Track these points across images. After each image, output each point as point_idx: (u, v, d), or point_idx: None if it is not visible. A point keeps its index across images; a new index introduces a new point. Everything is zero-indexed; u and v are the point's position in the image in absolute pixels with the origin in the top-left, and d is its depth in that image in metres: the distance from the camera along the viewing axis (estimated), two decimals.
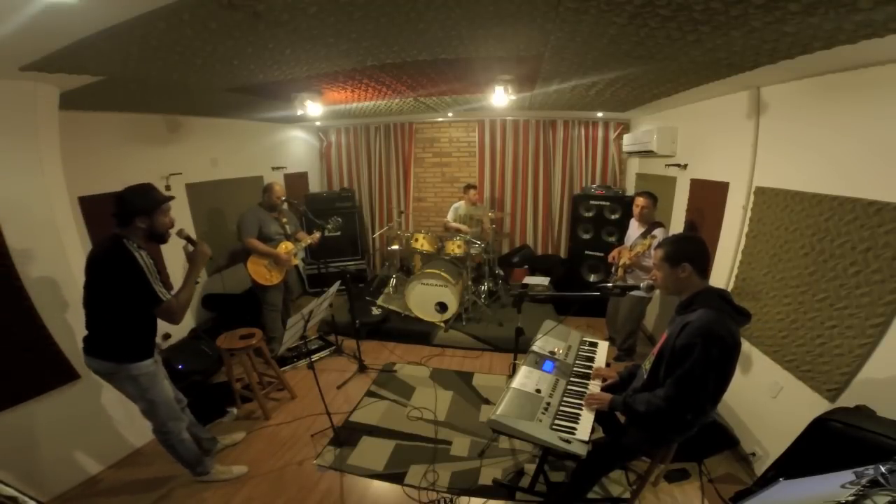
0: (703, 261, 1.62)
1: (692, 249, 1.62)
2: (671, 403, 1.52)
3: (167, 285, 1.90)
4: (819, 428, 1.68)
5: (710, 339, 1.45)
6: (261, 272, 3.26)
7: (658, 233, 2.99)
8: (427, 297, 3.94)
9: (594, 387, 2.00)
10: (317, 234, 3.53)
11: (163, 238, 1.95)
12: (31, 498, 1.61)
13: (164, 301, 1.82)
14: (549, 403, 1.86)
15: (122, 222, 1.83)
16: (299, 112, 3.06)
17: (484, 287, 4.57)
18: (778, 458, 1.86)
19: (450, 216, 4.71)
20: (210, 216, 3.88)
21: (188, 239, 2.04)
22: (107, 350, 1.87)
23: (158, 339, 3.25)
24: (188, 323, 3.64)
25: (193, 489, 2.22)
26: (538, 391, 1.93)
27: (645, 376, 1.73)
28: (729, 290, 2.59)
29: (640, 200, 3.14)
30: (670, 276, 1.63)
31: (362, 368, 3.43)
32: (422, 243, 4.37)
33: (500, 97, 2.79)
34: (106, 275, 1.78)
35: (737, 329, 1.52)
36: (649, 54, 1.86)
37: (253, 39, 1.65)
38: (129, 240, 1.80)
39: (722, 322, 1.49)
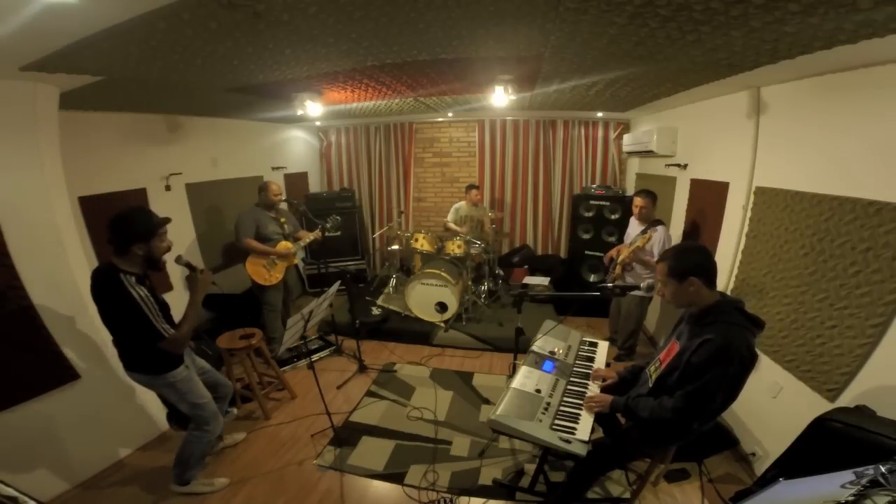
0: (709, 271, 1.55)
1: (696, 261, 1.56)
2: (678, 415, 1.51)
3: (166, 314, 1.87)
4: (819, 428, 1.67)
5: (729, 359, 1.42)
6: (259, 272, 3.26)
7: (659, 229, 2.98)
8: (427, 297, 3.93)
9: (593, 388, 1.99)
10: (317, 232, 3.53)
11: (157, 265, 1.87)
12: (31, 498, 1.61)
13: (167, 337, 1.79)
14: (549, 403, 1.86)
15: (118, 250, 1.76)
16: (299, 112, 3.06)
17: (484, 287, 4.57)
18: (778, 458, 1.86)
19: (450, 217, 4.71)
20: (210, 216, 3.88)
21: (188, 266, 1.96)
22: (139, 364, 1.91)
23: None
24: None
25: None
26: (538, 391, 1.93)
27: (650, 384, 1.71)
28: (729, 290, 2.60)
29: (638, 200, 3.13)
30: (679, 291, 1.57)
31: (362, 368, 3.43)
32: (422, 243, 4.37)
33: (500, 97, 2.79)
34: (106, 308, 1.77)
35: (753, 341, 1.49)
36: (649, 54, 1.86)
37: (253, 39, 1.65)
38: (127, 274, 1.73)
39: (741, 337, 1.45)
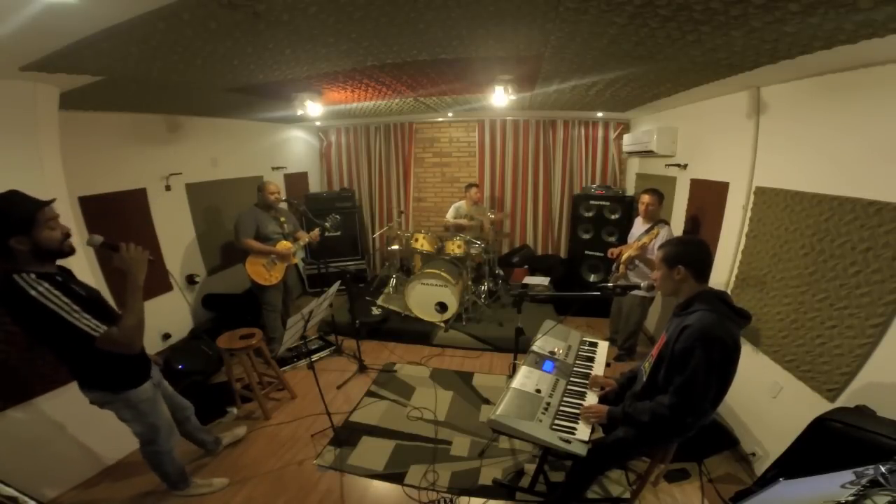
0: (700, 265, 1.61)
1: (690, 252, 1.61)
2: (675, 411, 1.52)
3: (105, 306, 1.64)
4: (819, 428, 1.68)
5: (709, 342, 1.45)
6: (259, 272, 3.26)
7: (663, 227, 2.98)
8: (427, 297, 3.93)
9: (591, 396, 1.97)
10: (316, 232, 3.53)
11: (60, 252, 1.51)
12: (31, 498, 1.61)
13: (100, 335, 1.46)
14: (549, 403, 1.87)
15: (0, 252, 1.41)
16: (299, 112, 3.06)
17: (484, 287, 4.57)
18: (778, 458, 1.86)
19: (450, 215, 4.70)
20: (210, 216, 3.88)
21: (107, 246, 1.57)
22: (96, 380, 1.66)
23: (158, 341, 3.29)
24: (188, 323, 3.64)
25: None
26: (538, 391, 1.93)
27: (644, 379, 1.73)
28: (729, 290, 2.60)
29: (645, 198, 3.13)
30: (666, 277, 1.64)
31: (362, 368, 3.43)
32: (422, 243, 4.37)
33: (500, 97, 2.79)
34: (19, 320, 1.47)
35: (737, 330, 1.52)
36: (649, 54, 1.86)
37: (253, 39, 1.65)
38: (22, 272, 1.40)
39: (721, 324, 1.48)
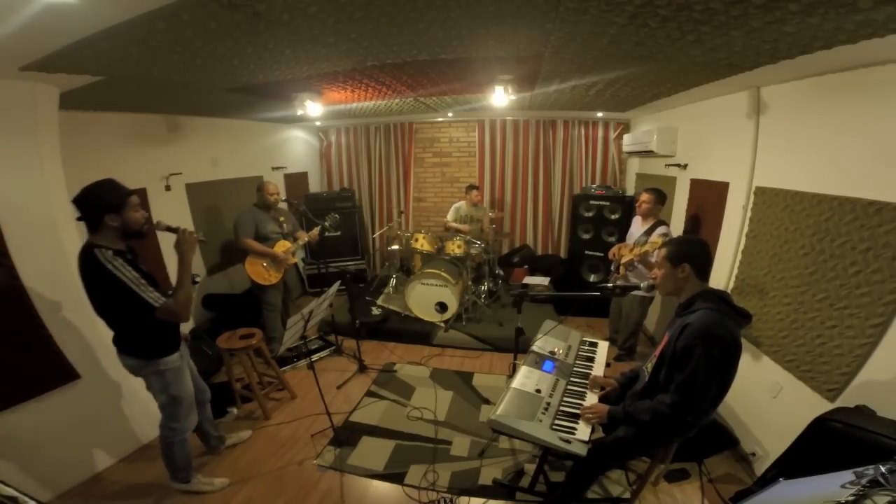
0: (703, 263, 1.64)
1: (694, 251, 1.65)
2: (675, 409, 1.52)
3: (158, 284, 1.82)
4: (819, 428, 1.68)
5: (710, 340, 1.46)
6: (259, 272, 3.26)
7: (663, 230, 2.99)
8: (427, 297, 3.94)
9: (591, 397, 1.97)
10: (315, 231, 3.53)
11: (140, 234, 1.82)
12: (31, 498, 1.61)
13: (159, 305, 1.73)
14: (549, 403, 1.86)
15: (91, 226, 1.72)
16: (299, 112, 3.06)
17: (484, 287, 4.57)
18: (778, 458, 1.86)
19: (450, 216, 4.71)
20: (210, 216, 3.88)
21: (168, 229, 1.88)
22: (133, 347, 1.87)
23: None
24: (188, 323, 3.63)
25: None
26: (538, 391, 1.93)
27: (646, 378, 1.74)
28: (729, 290, 2.60)
29: (643, 196, 3.15)
30: (670, 275, 1.66)
31: (362, 368, 3.43)
32: (422, 243, 4.37)
33: (500, 97, 2.79)
34: (91, 288, 1.72)
35: (737, 330, 1.53)
36: (649, 54, 1.86)
37: (253, 39, 1.65)
38: (103, 248, 1.67)
39: (722, 323, 1.49)
